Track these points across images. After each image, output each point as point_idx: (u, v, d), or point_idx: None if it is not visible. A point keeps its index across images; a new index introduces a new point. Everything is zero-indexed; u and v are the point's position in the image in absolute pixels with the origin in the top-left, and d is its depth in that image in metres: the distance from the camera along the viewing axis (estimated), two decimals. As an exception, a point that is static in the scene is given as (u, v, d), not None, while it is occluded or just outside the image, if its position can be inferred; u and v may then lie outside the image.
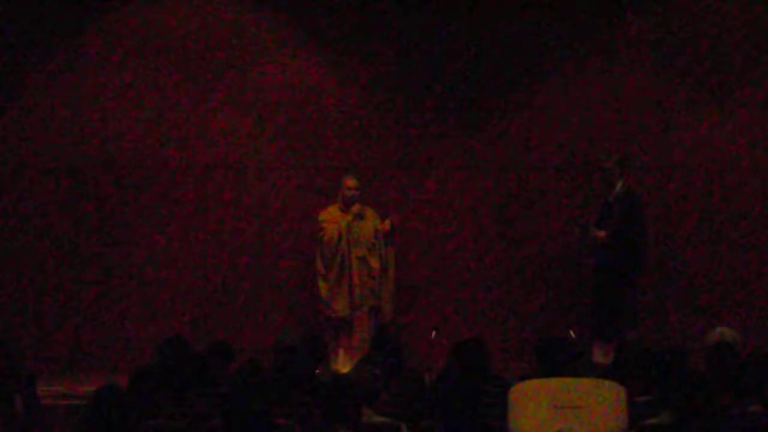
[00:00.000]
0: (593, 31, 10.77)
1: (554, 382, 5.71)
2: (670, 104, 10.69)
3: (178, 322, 10.37)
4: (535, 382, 5.74)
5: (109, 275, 10.76)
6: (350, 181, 10.01)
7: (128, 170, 10.83)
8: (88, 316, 10.73)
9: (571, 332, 8.71)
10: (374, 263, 9.97)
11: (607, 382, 5.72)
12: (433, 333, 8.62)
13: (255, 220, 10.81)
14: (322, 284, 9.97)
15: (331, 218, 9.98)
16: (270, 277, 10.73)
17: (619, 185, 9.82)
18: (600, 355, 9.60)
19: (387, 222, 10.04)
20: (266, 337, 9.72)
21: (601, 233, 9.73)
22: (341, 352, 9.83)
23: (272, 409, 5.61)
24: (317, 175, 10.76)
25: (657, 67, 10.70)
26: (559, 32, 10.71)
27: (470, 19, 10.74)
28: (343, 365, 9.55)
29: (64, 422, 7.18)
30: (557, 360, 6.45)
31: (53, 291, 10.75)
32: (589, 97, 10.71)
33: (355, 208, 9.94)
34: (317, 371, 7.03)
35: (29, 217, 10.80)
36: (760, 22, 10.64)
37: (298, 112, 10.84)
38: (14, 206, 10.81)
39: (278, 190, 10.84)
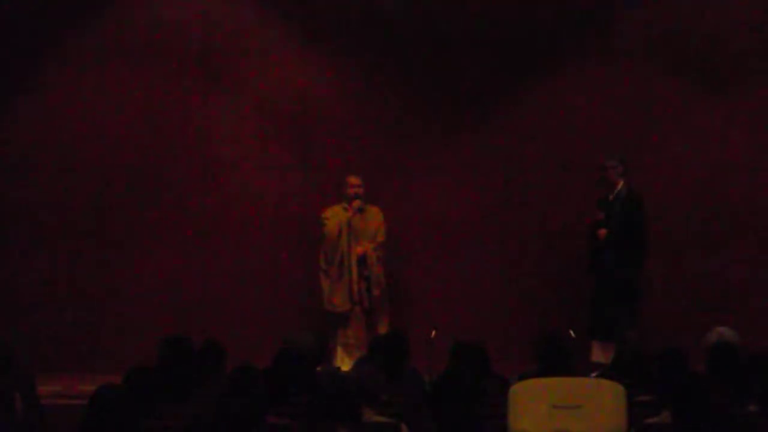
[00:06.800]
0: (592, 31, 10.79)
1: (554, 382, 5.72)
2: (669, 103, 10.69)
3: (178, 321, 10.35)
4: (535, 382, 5.75)
5: (108, 274, 10.77)
6: (353, 179, 10.12)
7: (127, 169, 10.84)
8: (87, 316, 10.74)
9: (571, 332, 8.71)
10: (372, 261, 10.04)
11: (607, 382, 5.72)
12: (433, 332, 8.62)
13: (255, 219, 10.82)
14: (323, 280, 10.06)
15: (334, 214, 10.08)
16: (270, 276, 10.74)
17: (620, 185, 9.86)
18: (599, 355, 9.62)
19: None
20: (266, 337, 9.72)
21: (602, 232, 9.78)
22: (340, 349, 9.89)
23: (271, 409, 5.63)
24: (317, 175, 10.77)
25: (655, 65, 10.71)
26: (558, 32, 10.72)
27: (469, 19, 10.74)
28: (342, 362, 9.61)
29: (64, 422, 7.17)
30: (557, 359, 6.45)
31: (53, 290, 10.76)
32: (588, 96, 10.71)
33: (356, 203, 10.05)
34: (318, 369, 7.04)
35: (28, 216, 10.81)
36: (759, 21, 10.64)
37: (298, 112, 10.86)
38: (12, 204, 10.82)
39: (278, 190, 10.85)
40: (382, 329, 9.82)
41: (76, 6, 10.87)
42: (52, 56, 10.92)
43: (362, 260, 10.05)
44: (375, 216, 10.17)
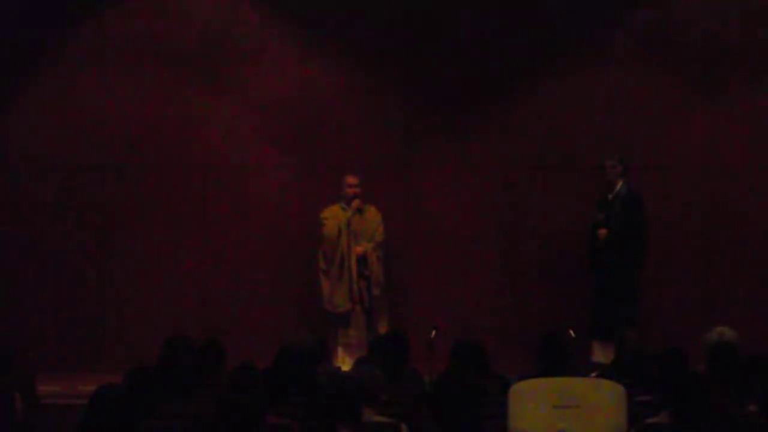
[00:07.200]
0: (592, 31, 10.78)
1: (554, 382, 5.71)
2: (668, 103, 10.70)
3: (179, 321, 10.36)
4: (535, 382, 5.74)
5: (108, 274, 10.78)
6: (351, 179, 10.13)
7: (128, 169, 10.84)
8: (87, 316, 10.74)
9: (571, 332, 8.71)
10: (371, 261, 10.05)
11: (607, 382, 5.72)
12: (433, 332, 8.63)
13: (255, 219, 10.82)
14: (323, 280, 10.07)
15: (332, 215, 10.09)
16: (270, 276, 10.74)
17: (619, 184, 9.88)
18: (599, 355, 9.62)
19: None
20: (266, 337, 9.72)
21: (602, 231, 9.79)
22: (340, 349, 9.91)
23: (271, 409, 5.63)
24: (317, 174, 10.77)
25: (655, 65, 10.71)
26: (558, 32, 10.72)
27: (469, 19, 10.75)
28: (343, 362, 9.62)
29: (64, 422, 7.17)
30: (557, 359, 6.45)
31: (53, 290, 10.76)
32: (588, 96, 10.72)
33: (355, 203, 10.07)
34: (319, 369, 7.04)
35: (29, 215, 10.82)
36: (757, 21, 10.65)
37: (298, 112, 10.86)
38: (14, 204, 10.82)
39: (278, 190, 10.86)
40: (382, 329, 9.82)
41: (76, 6, 10.87)
42: (52, 56, 10.92)
43: (362, 260, 10.05)
44: (373, 216, 10.19)
